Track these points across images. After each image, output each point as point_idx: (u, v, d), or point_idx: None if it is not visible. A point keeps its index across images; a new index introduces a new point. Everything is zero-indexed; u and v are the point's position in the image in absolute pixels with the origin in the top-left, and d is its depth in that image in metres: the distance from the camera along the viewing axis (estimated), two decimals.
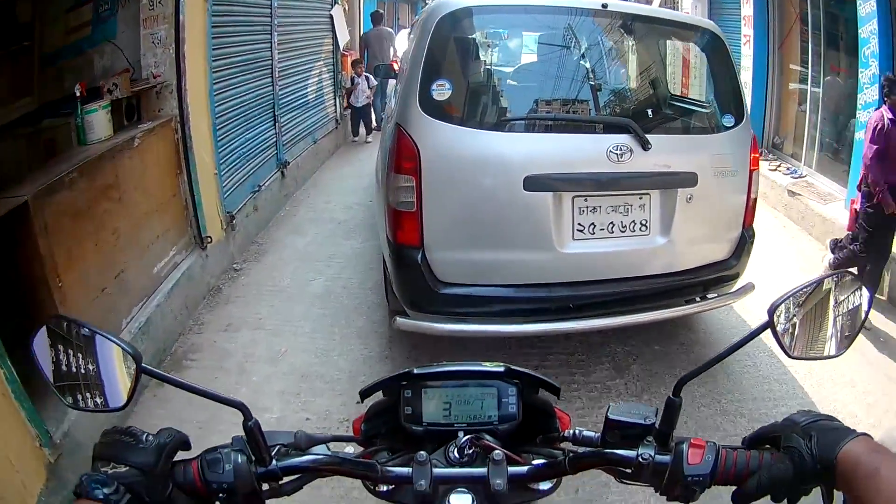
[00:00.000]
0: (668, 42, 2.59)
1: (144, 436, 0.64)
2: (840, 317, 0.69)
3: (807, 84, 5.12)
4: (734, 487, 0.63)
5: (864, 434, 0.58)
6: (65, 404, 0.68)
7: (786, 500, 0.61)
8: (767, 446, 0.65)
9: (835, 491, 0.58)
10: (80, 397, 0.67)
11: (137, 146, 2.65)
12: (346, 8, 7.51)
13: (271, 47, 4.58)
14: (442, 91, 2.20)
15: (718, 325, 3.03)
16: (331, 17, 6.56)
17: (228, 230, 3.61)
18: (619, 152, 2.23)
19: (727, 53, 2.51)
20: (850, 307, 0.69)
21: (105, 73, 2.75)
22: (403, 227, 2.26)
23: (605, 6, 2.31)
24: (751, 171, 2.51)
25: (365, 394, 0.80)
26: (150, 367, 0.67)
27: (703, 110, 2.57)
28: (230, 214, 3.63)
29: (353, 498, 1.89)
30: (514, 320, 2.36)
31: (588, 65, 2.34)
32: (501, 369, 0.78)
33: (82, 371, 0.66)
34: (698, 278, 2.51)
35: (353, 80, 6.95)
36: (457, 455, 0.72)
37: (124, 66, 2.80)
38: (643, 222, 2.34)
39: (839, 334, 0.69)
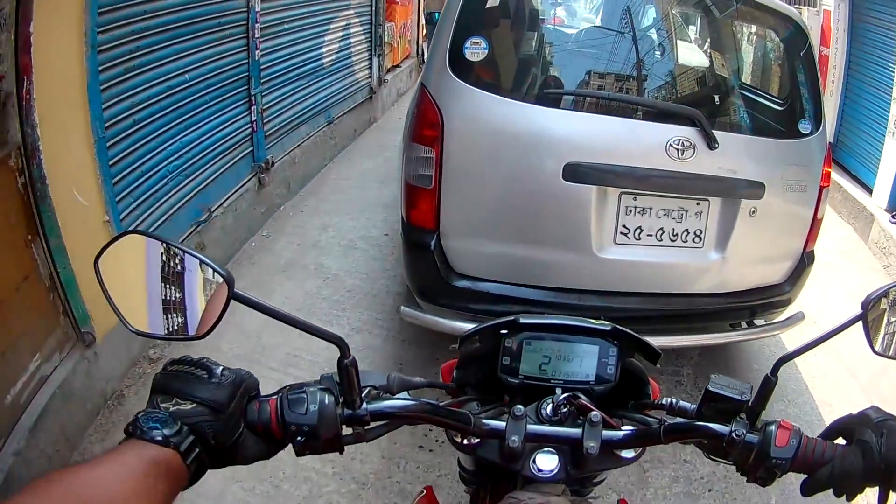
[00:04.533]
0: (746, 27, 2.22)
1: (220, 369, 0.57)
2: None
3: None
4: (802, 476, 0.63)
5: None
6: (130, 330, 0.59)
7: (844, 496, 0.62)
8: (841, 439, 0.65)
9: (891, 492, 0.59)
10: (149, 321, 0.59)
11: None
12: None
13: None
14: (476, 50, 1.84)
15: None
16: None
17: None
18: (680, 147, 1.87)
19: (810, 49, 2.15)
20: None
21: None
22: (418, 205, 1.93)
23: None
24: (821, 188, 2.17)
25: (464, 340, 0.80)
26: (242, 293, 0.57)
27: (780, 111, 2.20)
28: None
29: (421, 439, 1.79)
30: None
31: (653, 39, 1.98)
32: (608, 328, 0.78)
33: (156, 292, 0.59)
34: (748, 302, 2.17)
35: None
36: (549, 413, 0.70)
37: None
38: (698, 233, 1.99)
39: None
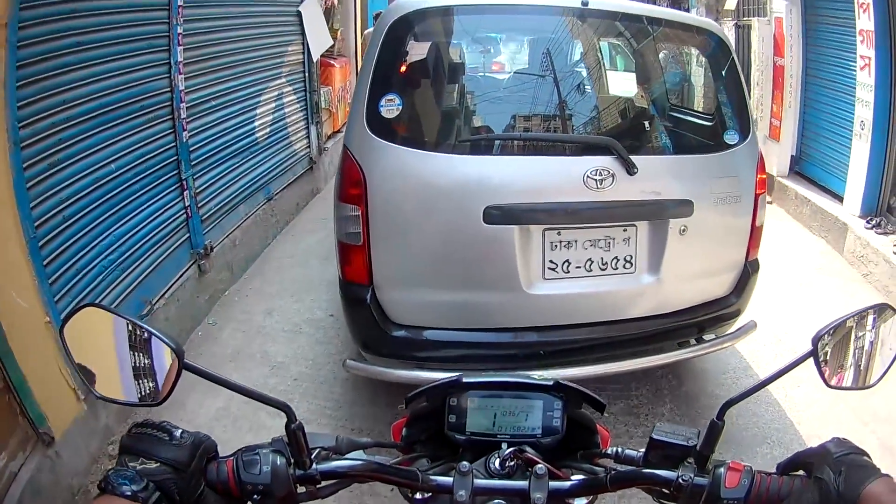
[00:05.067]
0: (662, 45, 2.24)
1: (179, 432, 0.63)
2: (879, 348, 0.72)
3: None
4: None
5: (887, 475, 0.58)
6: (94, 395, 0.66)
7: None
8: (801, 472, 0.65)
9: None
10: (110, 388, 0.65)
11: None
12: (334, 3, 6.11)
13: (171, 71, 2.75)
14: (391, 107, 1.89)
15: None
16: (299, 15, 4.66)
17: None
18: (598, 178, 1.91)
19: (732, 59, 2.16)
20: (890, 338, 0.72)
21: None
22: (351, 262, 1.99)
23: (585, 3, 1.97)
24: (756, 196, 2.17)
25: (410, 400, 0.81)
26: (192, 364, 0.64)
27: (703, 126, 2.22)
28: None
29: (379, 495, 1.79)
30: (479, 367, 2.07)
31: (565, 74, 2.02)
32: (550, 383, 0.79)
33: (116, 362, 0.65)
34: (693, 319, 2.18)
35: None
36: (498, 467, 0.71)
37: None
38: (628, 258, 2.02)
39: (876, 365, 0.72)
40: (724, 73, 2.17)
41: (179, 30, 2.79)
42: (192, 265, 3.03)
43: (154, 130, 2.67)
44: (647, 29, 2.14)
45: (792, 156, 5.11)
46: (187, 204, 2.95)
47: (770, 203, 4.92)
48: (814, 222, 4.45)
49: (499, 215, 1.87)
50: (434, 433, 0.80)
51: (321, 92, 5.26)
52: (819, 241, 4.29)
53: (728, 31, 6.02)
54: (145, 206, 2.62)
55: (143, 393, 0.65)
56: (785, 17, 4.87)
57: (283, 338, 2.93)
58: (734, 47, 5.89)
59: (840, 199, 4.28)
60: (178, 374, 0.64)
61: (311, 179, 5.05)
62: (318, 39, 4.92)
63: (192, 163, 3.01)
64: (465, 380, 0.79)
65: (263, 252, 3.94)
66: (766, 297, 2.94)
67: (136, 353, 0.65)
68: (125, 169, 2.45)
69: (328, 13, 5.79)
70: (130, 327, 0.65)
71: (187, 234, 2.98)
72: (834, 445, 0.63)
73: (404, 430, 0.83)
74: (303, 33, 4.69)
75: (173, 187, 2.86)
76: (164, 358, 0.64)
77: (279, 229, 4.30)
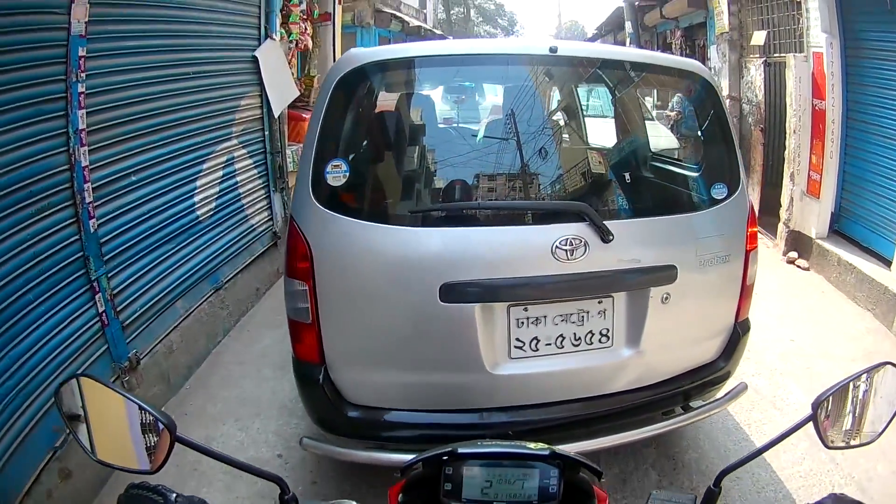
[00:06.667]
0: (640, 93, 2.05)
1: (173, 496, 0.67)
2: (879, 404, 0.74)
3: None
4: None
5: None
6: (91, 459, 0.69)
7: None
8: None
9: None
10: (108, 454, 0.69)
11: None
12: (309, 45, 5.16)
13: (70, 142, 2.16)
14: (338, 174, 1.73)
15: None
16: (255, 61, 3.82)
17: None
18: (568, 248, 1.73)
19: (719, 104, 1.97)
20: (889, 394, 0.74)
21: None
22: (302, 340, 1.83)
23: (553, 50, 1.78)
24: (747, 253, 1.99)
25: (406, 469, 0.83)
26: (184, 437, 0.68)
27: (687, 180, 2.03)
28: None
29: None
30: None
31: (530, 130, 1.83)
32: (546, 452, 0.80)
33: (110, 429, 0.69)
34: (679, 388, 2.01)
35: None
36: None
37: None
38: (604, 332, 1.84)
39: (877, 421, 0.74)
40: (710, 119, 1.98)
41: (81, 88, 2.19)
42: (114, 382, 2.35)
43: (48, 223, 2.09)
44: (624, 75, 1.95)
45: (832, 212, 4.46)
46: (101, 309, 2.35)
47: (807, 270, 4.51)
48: (859, 292, 3.84)
49: (457, 293, 1.70)
50: (429, 499, 0.81)
51: (288, 152, 4.42)
52: (866, 314, 3.71)
53: (756, 70, 5.48)
54: (44, 319, 2.07)
55: (137, 460, 0.69)
56: (825, 53, 4.17)
57: (221, 482, 2.23)
58: (763, 87, 5.40)
59: (888, 262, 3.71)
60: (171, 446, 0.68)
61: (274, 258, 4.15)
62: (280, 90, 4.12)
63: (105, 258, 2.39)
64: (460, 451, 0.80)
65: (211, 353, 3.22)
66: (808, 389, 2.77)
67: (130, 424, 0.68)
68: (10, 277, 1.93)
69: (304, 57, 5.30)
70: (123, 400, 0.68)
71: (105, 346, 2.39)
72: (832, 501, 0.64)
73: (400, 495, 0.84)
74: (261, 83, 3.91)
75: (81, 291, 2.26)
76: (156, 429, 0.68)
77: (232, 323, 3.51)
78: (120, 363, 2.48)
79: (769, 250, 4.93)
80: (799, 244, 4.70)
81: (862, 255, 4.03)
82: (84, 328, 2.29)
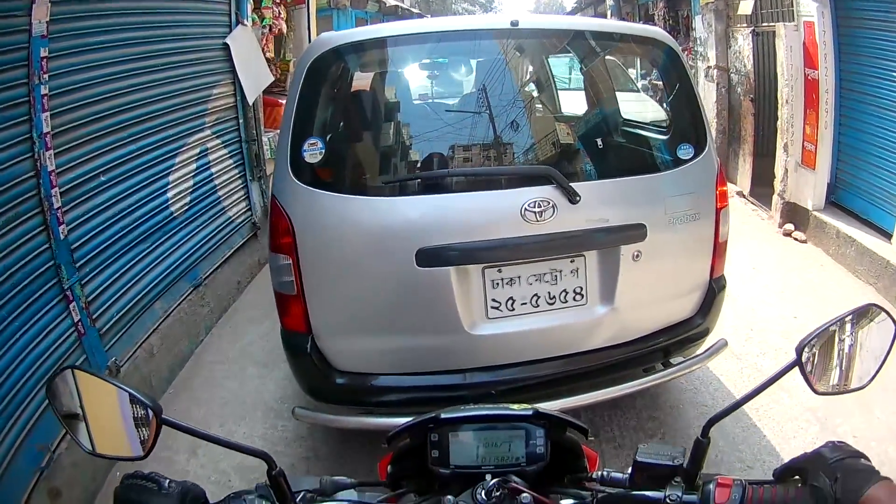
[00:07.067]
0: (604, 61, 2.12)
1: (167, 482, 0.68)
2: (866, 349, 0.71)
3: None
4: None
5: (887, 479, 0.57)
6: (84, 450, 0.70)
7: None
8: (796, 478, 0.64)
9: None
10: (98, 444, 0.70)
11: None
12: (284, 30, 5.07)
13: (35, 147, 2.07)
14: (314, 151, 1.82)
15: None
16: (226, 48, 3.73)
17: None
18: (537, 210, 1.80)
19: (683, 69, 2.03)
20: (877, 339, 0.71)
21: None
22: (289, 311, 1.92)
23: (515, 23, 1.86)
24: (717, 210, 2.05)
25: (392, 439, 0.82)
26: (171, 419, 0.68)
27: (654, 144, 2.09)
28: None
29: None
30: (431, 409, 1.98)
31: (497, 101, 1.91)
32: (530, 412, 0.79)
33: (101, 420, 0.70)
34: (657, 344, 2.07)
35: None
36: (484, 497, 0.72)
37: None
38: (578, 290, 1.91)
39: (864, 366, 0.71)
40: (674, 82, 2.04)
41: (44, 90, 2.08)
42: None
43: (16, 234, 1.99)
44: (587, 45, 2.02)
45: (828, 184, 4.39)
46: (77, 318, 2.26)
47: (805, 242, 4.44)
48: (860, 266, 3.73)
49: (432, 257, 1.78)
50: (419, 468, 0.81)
51: (265, 139, 4.29)
52: (867, 288, 3.60)
53: (745, 40, 5.44)
54: (17, 336, 1.99)
55: (129, 447, 0.70)
56: (817, 22, 4.08)
57: (209, 492, 2.25)
58: (752, 57, 5.34)
59: (888, 235, 3.59)
60: (159, 430, 0.69)
61: (254, 249, 4.03)
62: (254, 76, 4.02)
63: (77, 264, 2.29)
64: (443, 416, 0.79)
65: (194, 354, 3.12)
66: None
67: (122, 412, 0.69)
68: None
69: (278, 41, 5.33)
70: (112, 388, 0.69)
71: (83, 356, 2.30)
72: (829, 450, 0.62)
73: (389, 467, 0.84)
74: (233, 70, 3.79)
75: (54, 301, 2.17)
76: (144, 415, 0.69)
77: (214, 319, 3.41)
78: (104, 366, 2.42)
79: (764, 222, 4.91)
80: (795, 216, 4.68)
81: (861, 228, 3.94)
82: (60, 340, 2.19)
